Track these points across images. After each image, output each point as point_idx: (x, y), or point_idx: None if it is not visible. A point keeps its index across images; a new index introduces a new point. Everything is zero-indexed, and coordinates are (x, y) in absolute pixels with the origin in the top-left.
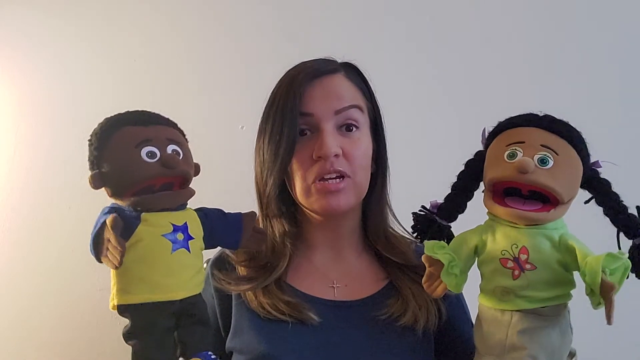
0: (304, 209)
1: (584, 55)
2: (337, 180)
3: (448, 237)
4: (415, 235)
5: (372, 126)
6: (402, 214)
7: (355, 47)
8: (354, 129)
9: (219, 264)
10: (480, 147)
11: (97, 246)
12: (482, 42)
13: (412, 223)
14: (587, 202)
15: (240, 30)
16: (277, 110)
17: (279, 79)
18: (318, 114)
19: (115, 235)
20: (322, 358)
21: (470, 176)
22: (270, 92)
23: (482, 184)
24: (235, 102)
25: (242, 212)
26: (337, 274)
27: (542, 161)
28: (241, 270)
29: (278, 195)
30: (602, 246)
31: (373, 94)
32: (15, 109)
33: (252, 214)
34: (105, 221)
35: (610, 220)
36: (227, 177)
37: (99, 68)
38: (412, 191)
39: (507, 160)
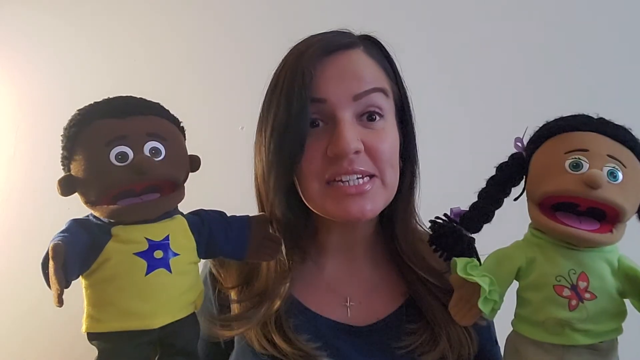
0: (314, 212)
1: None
2: (361, 180)
3: (476, 253)
4: (434, 248)
5: (397, 113)
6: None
7: None
8: (378, 117)
9: (213, 280)
10: (511, 148)
11: (46, 274)
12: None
13: (431, 234)
14: None
15: (240, 30)
16: (282, 96)
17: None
18: (332, 100)
19: (55, 269)
20: None
21: (504, 182)
22: (273, 73)
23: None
24: (235, 102)
25: (250, 215)
26: (350, 289)
27: (612, 175)
28: (233, 308)
29: (284, 200)
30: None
31: (399, 74)
32: (15, 109)
33: (263, 217)
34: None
35: None
36: (226, 180)
37: (99, 68)
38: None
39: (571, 172)
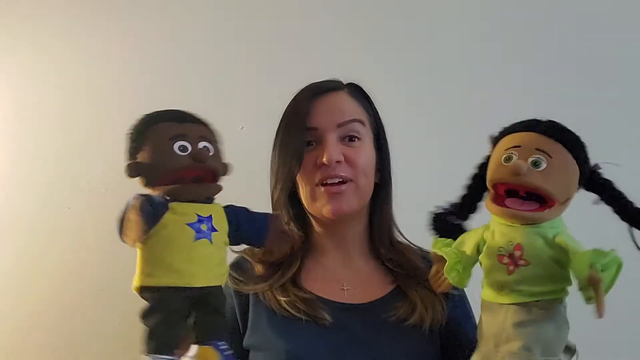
0: (312, 216)
1: (584, 59)
2: (340, 185)
3: (456, 233)
4: (430, 230)
5: (375, 140)
6: (407, 222)
7: (353, 46)
8: (356, 139)
9: (236, 266)
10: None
11: (121, 225)
12: (485, 57)
13: (428, 219)
14: (596, 202)
15: (240, 31)
16: (286, 125)
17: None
18: (322, 128)
19: (138, 214)
20: (335, 356)
21: (477, 178)
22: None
23: None
24: (235, 102)
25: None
26: (347, 277)
27: (535, 164)
28: (257, 269)
29: (289, 203)
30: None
31: (376, 111)
32: (16, 109)
33: (280, 215)
34: (131, 203)
35: (620, 218)
36: (225, 178)
37: (99, 68)
38: (416, 198)
39: (504, 164)
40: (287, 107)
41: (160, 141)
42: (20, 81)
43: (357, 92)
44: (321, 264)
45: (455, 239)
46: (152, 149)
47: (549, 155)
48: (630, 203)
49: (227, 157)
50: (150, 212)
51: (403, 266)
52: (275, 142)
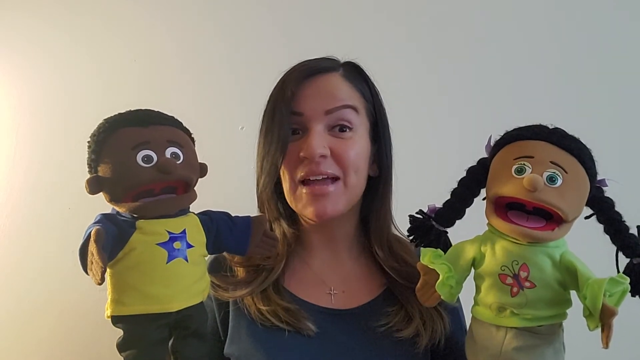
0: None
1: (590, 64)
2: (326, 184)
3: (444, 243)
4: (411, 239)
5: (372, 128)
6: (402, 218)
7: (355, 49)
8: (347, 130)
9: (214, 267)
10: (483, 153)
11: (84, 258)
12: (486, 45)
13: (409, 226)
14: (587, 217)
15: (240, 30)
16: (270, 110)
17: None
18: (308, 114)
19: (98, 250)
20: None
21: (471, 183)
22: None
23: (482, 191)
24: (235, 102)
25: (251, 215)
26: (334, 280)
27: (551, 179)
28: (238, 272)
29: (276, 196)
30: (600, 262)
31: (376, 95)
32: (15, 110)
33: (262, 217)
34: (91, 231)
35: (610, 239)
36: (226, 178)
37: (98, 68)
38: (412, 194)
39: (515, 176)
40: (274, 87)
41: (121, 152)
42: (21, 82)
43: (353, 73)
44: (307, 264)
45: (437, 246)
46: (113, 161)
47: (564, 170)
48: (627, 228)
49: (227, 157)
50: (111, 242)
51: (403, 276)
52: (261, 127)
